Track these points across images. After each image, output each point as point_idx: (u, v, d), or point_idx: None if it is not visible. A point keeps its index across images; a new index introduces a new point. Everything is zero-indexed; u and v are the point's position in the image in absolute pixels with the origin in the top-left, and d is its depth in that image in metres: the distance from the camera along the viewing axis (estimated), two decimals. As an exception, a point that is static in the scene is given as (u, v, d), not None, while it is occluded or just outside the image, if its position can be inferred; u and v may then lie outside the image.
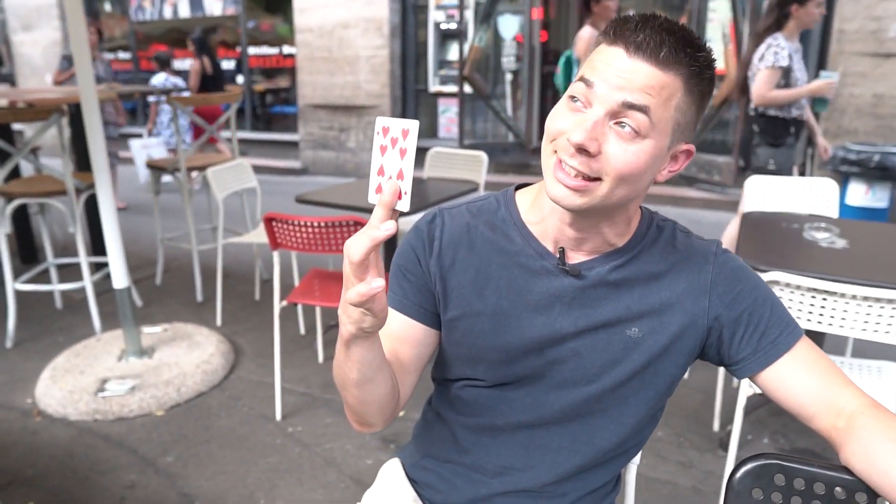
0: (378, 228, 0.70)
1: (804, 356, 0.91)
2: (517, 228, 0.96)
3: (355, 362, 0.84)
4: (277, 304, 2.49)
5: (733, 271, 0.94)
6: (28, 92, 4.30)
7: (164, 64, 7.03)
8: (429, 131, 7.88)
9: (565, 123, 0.82)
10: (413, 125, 0.72)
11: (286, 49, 8.28)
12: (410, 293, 0.98)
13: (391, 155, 0.74)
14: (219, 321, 3.45)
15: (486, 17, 6.82)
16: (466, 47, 6.77)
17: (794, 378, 0.90)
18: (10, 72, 10.20)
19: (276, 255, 2.51)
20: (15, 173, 4.09)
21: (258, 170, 3.78)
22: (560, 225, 0.92)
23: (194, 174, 7.70)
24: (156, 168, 4.00)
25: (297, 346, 3.16)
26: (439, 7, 7.19)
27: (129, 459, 2.32)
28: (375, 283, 0.71)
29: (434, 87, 7.48)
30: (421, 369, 1.01)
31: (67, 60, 5.19)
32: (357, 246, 0.70)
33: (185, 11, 8.89)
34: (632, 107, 0.78)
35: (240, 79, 8.71)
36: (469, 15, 6.92)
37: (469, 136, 7.09)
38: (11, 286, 3.28)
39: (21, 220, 4.31)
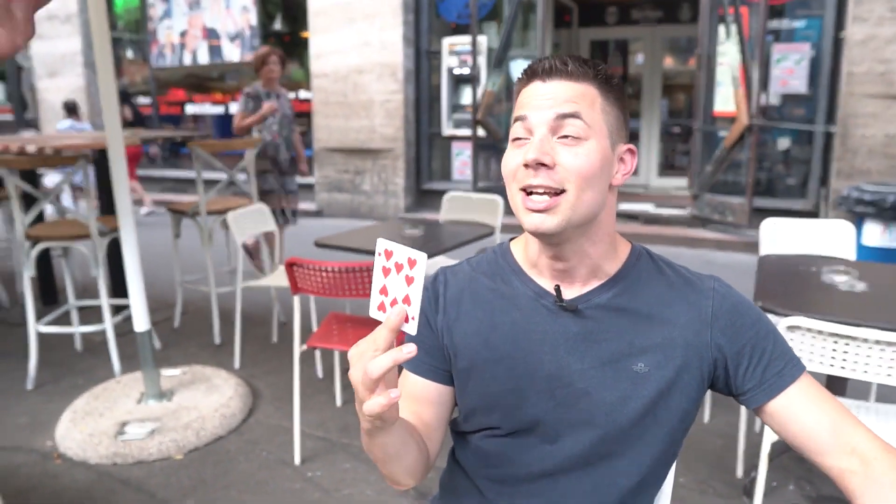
0: (401, 351, 0.73)
1: (811, 390, 0.92)
2: (515, 274, 1.01)
3: (379, 447, 0.88)
4: (297, 349, 2.51)
5: (734, 305, 0.96)
6: (55, 138, 4.42)
7: (72, 111, 7.71)
8: (442, 174, 7.97)
9: (517, 157, 0.91)
10: (421, 257, 0.73)
11: (302, 94, 8.46)
12: (423, 355, 1.02)
13: (396, 279, 0.75)
14: (237, 364, 3.46)
15: (499, 62, 6.96)
16: (479, 92, 6.89)
17: (803, 411, 0.91)
18: (34, 117, 10.46)
19: (296, 300, 2.54)
20: (39, 217, 4.17)
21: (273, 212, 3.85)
22: (550, 262, 0.97)
23: (144, 207, 7.96)
24: (176, 212, 4.07)
25: (314, 390, 3.16)
26: (452, 53, 7.34)
27: (148, 504, 2.32)
28: (394, 393, 0.75)
29: (448, 130, 7.59)
30: (445, 424, 1.05)
31: (253, 101, 4.53)
32: (377, 365, 0.73)
33: (203, 58, 9.13)
34: (565, 116, 0.89)
35: (257, 123, 8.89)
36: (482, 61, 7.06)
37: (483, 179, 7.16)
38: (34, 328, 3.32)
39: (43, 262, 4.39)
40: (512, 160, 0.92)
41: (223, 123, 9.33)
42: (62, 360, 3.59)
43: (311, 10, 7.77)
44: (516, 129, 0.93)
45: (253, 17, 8.56)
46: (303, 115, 8.54)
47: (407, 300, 0.74)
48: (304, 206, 8.22)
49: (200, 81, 9.46)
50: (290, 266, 2.45)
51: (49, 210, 4.86)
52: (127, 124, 7.36)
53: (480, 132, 6.95)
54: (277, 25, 8.76)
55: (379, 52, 7.45)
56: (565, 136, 0.89)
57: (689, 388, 0.95)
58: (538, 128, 0.90)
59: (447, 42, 7.38)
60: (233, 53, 8.88)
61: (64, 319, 3.87)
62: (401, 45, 7.36)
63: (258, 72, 4.52)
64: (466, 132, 7.32)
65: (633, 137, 8.40)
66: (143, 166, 9.80)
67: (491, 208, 3.65)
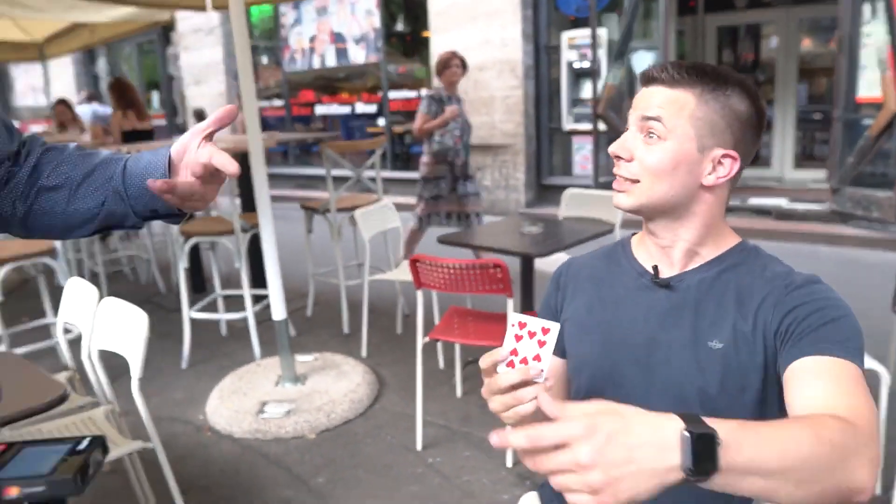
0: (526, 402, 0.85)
1: (839, 376, 0.87)
2: (626, 257, 1.16)
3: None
4: (420, 341, 2.64)
5: (808, 293, 0.99)
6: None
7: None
8: (563, 169, 7.93)
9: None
10: (555, 327, 0.84)
11: (424, 92, 8.69)
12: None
13: (528, 343, 0.86)
14: (364, 353, 3.67)
15: (620, 54, 6.83)
16: (600, 85, 6.80)
17: (807, 383, 0.88)
18: (183, 121, 11.44)
19: (419, 294, 2.67)
20: (191, 215, 4.60)
21: (398, 207, 4.01)
22: (650, 238, 1.10)
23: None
24: (308, 209, 4.36)
25: (436, 381, 3.30)
26: (572, 47, 7.28)
27: (285, 478, 2.54)
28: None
29: (568, 125, 7.55)
30: (566, 396, 1.18)
31: (436, 104, 4.35)
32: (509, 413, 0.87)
33: (331, 61, 9.59)
34: (648, 118, 1.03)
35: (381, 121, 9.24)
36: (602, 53, 6.95)
37: (605, 174, 7.06)
38: (188, 314, 3.69)
39: (194, 254, 4.83)
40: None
41: (349, 122, 9.77)
42: (210, 343, 3.96)
43: (431, 11, 7.97)
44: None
45: (377, 20, 8.89)
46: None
47: (537, 358, 0.86)
48: (425, 201, 8.48)
49: (328, 83, 9.95)
50: (414, 262, 2.58)
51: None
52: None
53: (601, 126, 6.86)
54: (400, 26, 9.05)
55: (499, 49, 7.52)
56: (649, 135, 1.03)
57: (759, 368, 0.99)
58: (630, 126, 1.06)
59: (566, 36, 7.32)
60: (358, 56, 9.27)
61: (211, 307, 4.25)
62: (520, 41, 7.39)
63: (440, 75, 4.47)
64: (587, 126, 7.24)
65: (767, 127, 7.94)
66: (277, 164, 10.47)
67: (610, 205, 3.62)
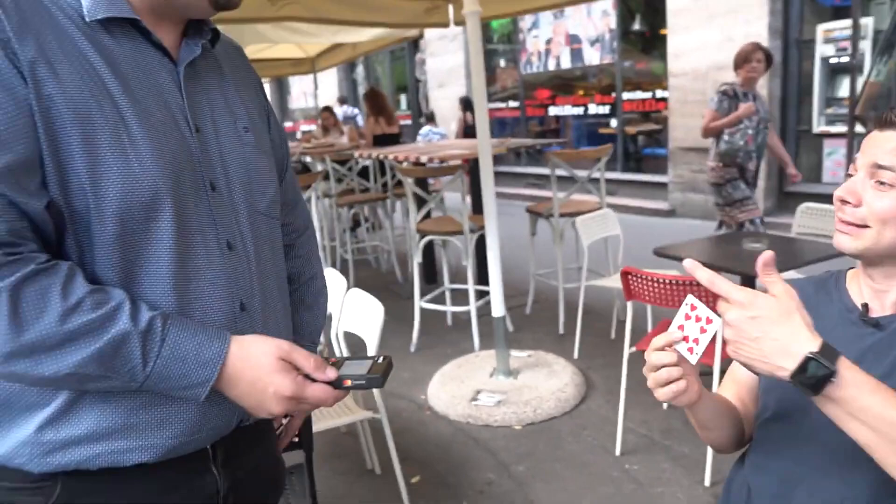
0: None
1: None
2: (837, 290, 1.14)
3: (691, 416, 1.12)
4: (627, 350, 2.72)
5: None
6: (440, 148, 5.31)
7: (430, 119, 9.19)
8: (810, 175, 7.26)
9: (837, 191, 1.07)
10: (717, 321, 0.94)
11: (659, 93, 8.48)
12: None
13: (693, 326, 0.96)
14: (576, 354, 3.82)
15: (888, 47, 6.06)
16: (860, 83, 6.11)
17: None
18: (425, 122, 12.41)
19: (629, 305, 2.75)
20: (427, 214, 5.09)
21: (626, 209, 4.07)
22: (865, 279, 1.08)
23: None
24: (533, 212, 4.59)
25: (642, 389, 3.30)
26: (828, 40, 6.62)
27: (490, 461, 2.79)
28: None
29: (819, 127, 6.88)
30: None
31: (729, 100, 4.13)
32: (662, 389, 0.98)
33: (566, 62, 9.75)
34: (880, 167, 0.98)
35: (613, 122, 9.19)
36: (865, 46, 6.23)
37: (859, 180, 6.34)
38: (418, 304, 4.13)
39: (428, 249, 5.33)
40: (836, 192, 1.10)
41: (581, 123, 9.85)
42: (437, 330, 4.38)
43: (669, 10, 7.74)
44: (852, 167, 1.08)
45: (612, 21, 8.84)
46: (659, 113, 8.58)
47: (696, 342, 0.96)
48: (655, 205, 8.28)
49: (563, 84, 10.11)
50: (625, 275, 2.66)
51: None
52: (468, 128, 8.71)
53: (858, 128, 6.16)
54: (636, 26, 8.90)
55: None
56: (880, 183, 1.00)
57: None
58: (859, 170, 1.04)
59: (821, 28, 6.67)
60: (593, 56, 9.30)
61: (440, 298, 4.68)
62: (766, 36, 6.89)
63: (738, 69, 4.22)
64: (841, 129, 6.55)
65: None
66: (510, 163, 10.91)
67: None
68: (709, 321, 0.95)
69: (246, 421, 1.02)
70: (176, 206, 0.89)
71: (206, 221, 0.94)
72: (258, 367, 0.89)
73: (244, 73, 1.12)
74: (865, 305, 1.08)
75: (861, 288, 1.10)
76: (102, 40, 0.88)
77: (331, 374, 0.92)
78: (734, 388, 1.23)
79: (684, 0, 7.56)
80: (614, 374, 3.51)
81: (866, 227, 1.02)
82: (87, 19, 0.87)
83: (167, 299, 0.89)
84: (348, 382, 0.94)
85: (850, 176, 1.06)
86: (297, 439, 1.49)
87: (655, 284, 2.54)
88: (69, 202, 0.83)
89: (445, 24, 4.95)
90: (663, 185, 8.30)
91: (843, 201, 1.04)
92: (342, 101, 10.31)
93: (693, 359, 0.96)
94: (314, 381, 0.92)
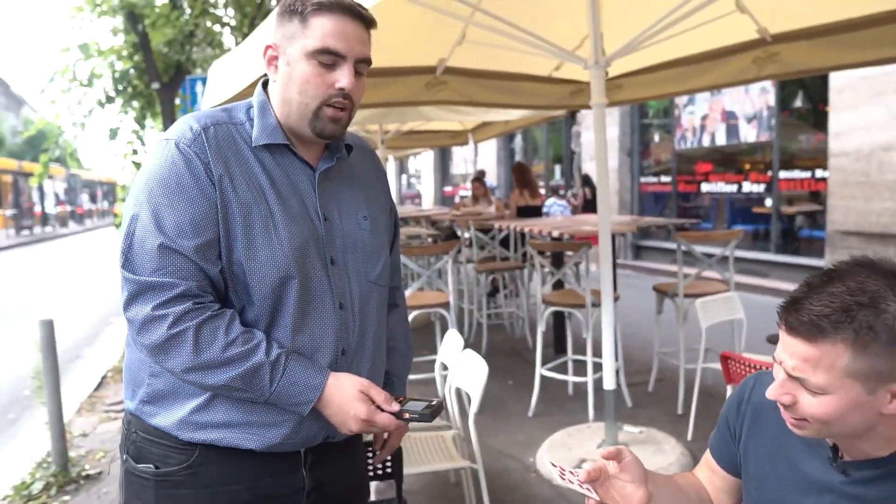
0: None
1: None
2: None
3: None
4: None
5: None
6: (576, 223, 5.56)
7: (555, 191, 9.74)
8: None
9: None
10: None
11: (818, 173, 8.13)
12: (719, 438, 1.28)
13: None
14: (689, 435, 3.82)
15: None
16: None
17: None
18: (576, 192, 12.65)
19: (729, 389, 2.81)
20: (560, 285, 5.32)
21: (778, 293, 4.02)
22: None
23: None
24: (659, 291, 4.67)
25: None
26: None
27: (587, 529, 2.91)
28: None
29: None
30: (733, 499, 1.27)
31: None
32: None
33: (721, 139, 9.63)
34: (794, 378, 0.97)
35: (768, 201, 8.89)
36: None
37: None
38: (539, 371, 4.35)
39: (559, 321, 5.52)
40: None
41: (733, 200, 9.61)
42: (557, 398, 4.54)
43: (833, 86, 7.50)
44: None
45: (771, 98, 8.68)
46: (818, 194, 8.21)
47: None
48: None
49: (717, 160, 9.97)
50: (724, 359, 2.75)
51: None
52: (587, 203, 9.34)
53: None
54: (798, 102, 8.65)
55: (912, 128, 6.71)
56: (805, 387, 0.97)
57: None
58: (778, 373, 1.01)
59: None
60: (749, 134, 9.14)
61: (563, 367, 4.85)
62: (941, 118, 6.49)
63: None
64: None
65: None
66: (660, 238, 10.81)
67: None
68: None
69: (332, 438, 1.36)
70: (301, 277, 1.28)
71: (325, 287, 1.32)
72: (345, 396, 1.25)
73: (371, 173, 1.50)
74: (835, 447, 1.06)
75: None
76: (264, 159, 1.30)
77: (394, 407, 1.26)
78: (707, 473, 1.29)
79: (850, 77, 7.30)
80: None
81: (808, 422, 0.99)
82: (253, 144, 1.29)
83: (287, 341, 1.28)
84: (406, 415, 1.26)
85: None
86: (389, 469, 1.82)
87: (753, 370, 2.60)
88: (231, 269, 1.25)
89: (589, 106, 5.27)
90: (821, 269, 7.87)
91: (780, 403, 1.01)
92: (479, 176, 10.65)
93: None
94: (383, 410, 1.26)
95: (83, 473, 3.67)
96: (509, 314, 6.78)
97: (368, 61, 1.29)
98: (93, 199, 45.59)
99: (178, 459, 1.28)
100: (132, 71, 5.14)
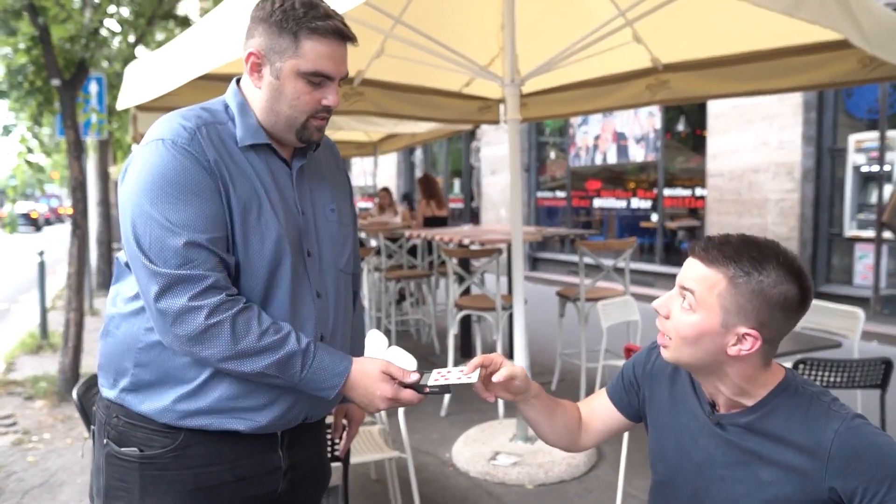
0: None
1: None
2: (693, 384, 1.33)
3: (523, 413, 1.45)
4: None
5: (855, 449, 1.10)
6: (484, 232, 5.83)
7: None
8: (843, 277, 7.47)
9: None
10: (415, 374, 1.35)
11: (698, 191, 8.87)
12: (620, 388, 1.45)
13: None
14: (590, 428, 4.12)
15: (916, 160, 6.38)
16: (887, 191, 6.42)
17: None
18: (477, 206, 13.04)
19: (629, 379, 3.10)
20: (467, 291, 5.55)
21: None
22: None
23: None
24: (562, 296, 5.00)
25: (645, 460, 3.62)
26: (860, 150, 6.97)
27: (503, 514, 3.12)
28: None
29: (850, 231, 7.15)
30: (604, 435, 1.50)
31: None
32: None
33: (612, 158, 10.30)
34: (684, 288, 1.19)
35: (654, 217, 9.59)
36: (893, 157, 6.57)
37: (891, 285, 6.55)
38: (451, 373, 4.53)
39: (465, 326, 5.75)
40: None
41: (623, 216, 10.27)
42: (467, 398, 4.73)
43: (710, 114, 8.25)
44: None
45: (658, 122, 9.40)
46: (697, 210, 8.96)
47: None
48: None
49: (608, 179, 10.63)
50: (629, 351, 3.04)
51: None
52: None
53: (887, 234, 6.42)
54: (680, 126, 9.43)
55: (775, 152, 7.50)
56: (684, 303, 1.19)
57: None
58: (676, 288, 1.22)
59: (853, 139, 7.05)
60: (637, 154, 9.84)
61: (472, 369, 5.05)
62: (800, 143, 7.30)
63: None
64: (872, 234, 6.81)
65: None
66: (554, 250, 11.36)
67: (844, 317, 3.62)
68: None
69: (310, 419, 1.46)
70: (289, 270, 1.37)
71: (304, 278, 1.42)
72: (370, 378, 1.33)
73: (335, 167, 1.61)
74: (712, 404, 1.25)
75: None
76: (251, 158, 1.39)
77: (414, 377, 1.35)
78: (593, 403, 1.50)
79: (724, 105, 8.05)
80: (621, 448, 3.81)
81: (671, 340, 1.20)
82: (239, 145, 1.38)
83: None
84: (427, 389, 1.35)
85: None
86: (339, 454, 1.92)
87: (652, 362, 2.90)
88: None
89: (496, 122, 5.56)
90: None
91: (657, 311, 1.21)
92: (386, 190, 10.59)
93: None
94: (405, 387, 1.34)
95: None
96: (416, 321, 6.95)
97: (347, 75, 1.41)
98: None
99: (163, 443, 1.33)
100: (30, 66, 4.89)
